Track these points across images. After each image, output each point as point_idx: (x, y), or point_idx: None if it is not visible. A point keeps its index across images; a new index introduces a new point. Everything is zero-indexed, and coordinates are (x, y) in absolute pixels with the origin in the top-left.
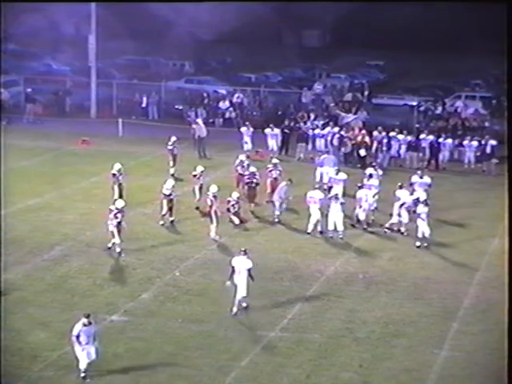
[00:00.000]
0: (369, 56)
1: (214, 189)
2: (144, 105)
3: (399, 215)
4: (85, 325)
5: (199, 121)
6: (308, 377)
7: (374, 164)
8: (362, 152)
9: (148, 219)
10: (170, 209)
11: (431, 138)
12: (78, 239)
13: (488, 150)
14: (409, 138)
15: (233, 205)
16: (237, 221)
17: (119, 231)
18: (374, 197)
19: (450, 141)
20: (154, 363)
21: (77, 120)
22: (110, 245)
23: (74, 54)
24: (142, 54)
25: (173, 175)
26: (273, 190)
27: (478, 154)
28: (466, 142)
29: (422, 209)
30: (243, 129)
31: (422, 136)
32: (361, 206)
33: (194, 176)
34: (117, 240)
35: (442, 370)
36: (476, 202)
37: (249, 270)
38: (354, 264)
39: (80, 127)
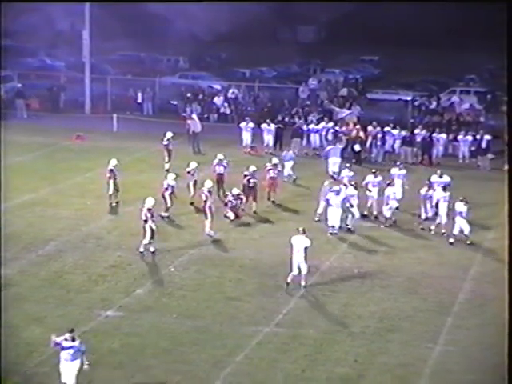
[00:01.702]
0: (363, 51)
1: (208, 184)
2: (139, 100)
3: (436, 214)
4: (66, 340)
5: (194, 116)
6: (303, 372)
7: (398, 163)
8: (357, 147)
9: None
10: (167, 203)
11: (425, 132)
12: (73, 235)
13: (483, 144)
14: (403, 132)
15: (230, 200)
16: (232, 216)
17: (153, 230)
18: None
19: (444, 135)
20: (150, 358)
21: (71, 116)
22: (141, 249)
23: (69, 49)
24: (136, 50)
25: (167, 171)
26: (273, 190)
27: (473, 148)
28: (460, 137)
29: (462, 207)
30: (242, 124)
31: (417, 131)
32: (387, 204)
33: (188, 172)
34: (147, 240)
35: (437, 364)
36: (470, 196)
37: (305, 249)
38: (349, 259)
39: (74, 123)
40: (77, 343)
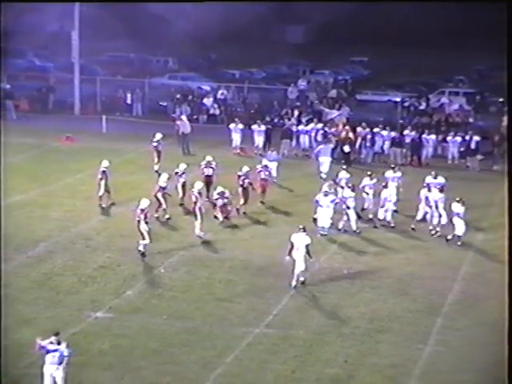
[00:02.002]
0: (353, 52)
1: (198, 185)
2: (128, 101)
3: (440, 215)
4: (52, 343)
5: (183, 117)
6: (293, 373)
7: (392, 166)
8: (346, 148)
9: (133, 216)
10: (160, 205)
11: (415, 133)
12: (63, 236)
13: (472, 145)
14: (393, 133)
15: (217, 199)
16: (221, 217)
17: (148, 231)
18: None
19: (433, 137)
20: (139, 360)
21: (60, 117)
22: (141, 248)
23: (58, 50)
24: (125, 51)
25: (157, 172)
26: (263, 191)
27: (462, 149)
28: (449, 138)
29: (459, 208)
30: (232, 125)
31: (406, 132)
32: (383, 206)
33: (176, 173)
34: (147, 241)
35: (427, 365)
36: (460, 197)
37: (307, 246)
38: (339, 260)
39: (64, 124)
40: (62, 346)
